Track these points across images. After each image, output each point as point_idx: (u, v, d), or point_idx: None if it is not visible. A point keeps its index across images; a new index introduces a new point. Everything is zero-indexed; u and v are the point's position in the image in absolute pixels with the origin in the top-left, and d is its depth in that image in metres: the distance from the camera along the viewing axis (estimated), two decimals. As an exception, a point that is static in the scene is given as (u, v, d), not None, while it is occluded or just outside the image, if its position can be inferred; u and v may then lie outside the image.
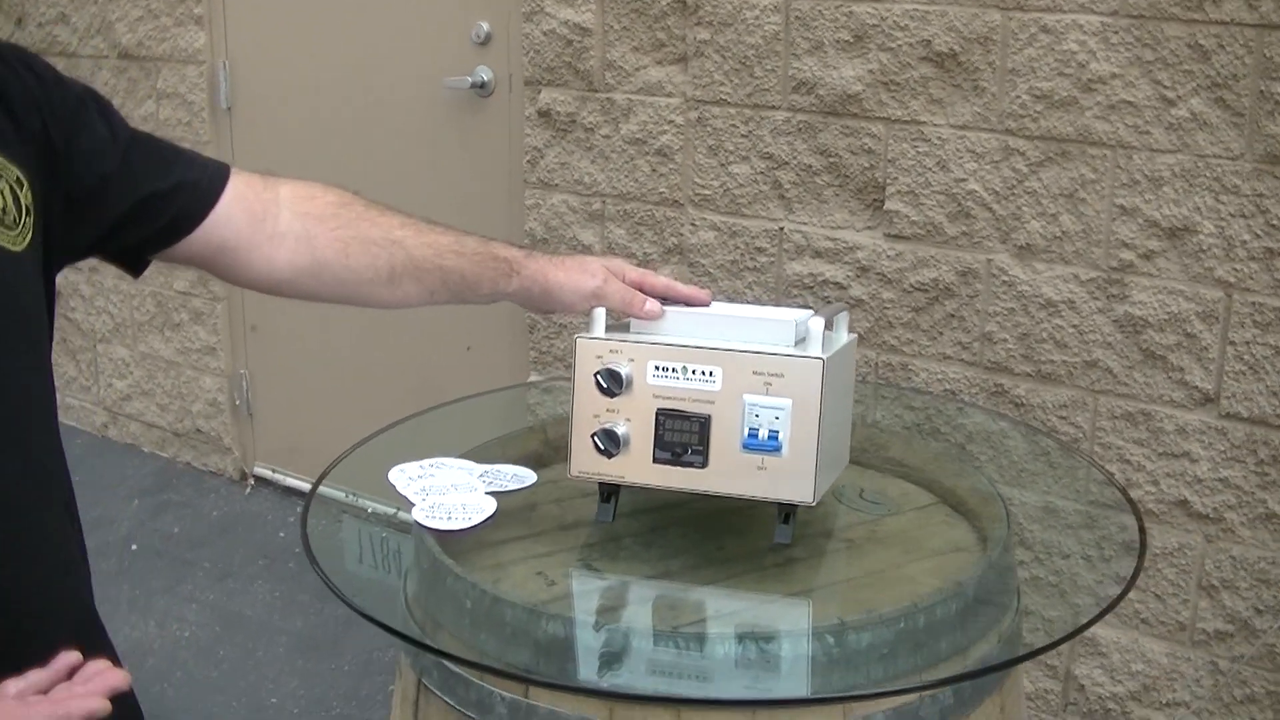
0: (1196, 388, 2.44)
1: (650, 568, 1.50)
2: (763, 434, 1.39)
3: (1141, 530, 1.57)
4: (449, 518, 1.50)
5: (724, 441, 1.41)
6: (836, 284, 2.77)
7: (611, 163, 3.06)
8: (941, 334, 2.69)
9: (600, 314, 1.48)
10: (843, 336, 1.54)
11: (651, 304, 1.49)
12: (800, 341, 1.44)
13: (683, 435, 1.42)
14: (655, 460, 1.44)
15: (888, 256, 2.72)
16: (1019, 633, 1.46)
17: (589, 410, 1.45)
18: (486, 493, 1.56)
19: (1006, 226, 2.57)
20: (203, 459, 4.32)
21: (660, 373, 1.42)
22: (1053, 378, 2.59)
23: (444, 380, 3.52)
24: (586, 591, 1.48)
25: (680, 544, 1.55)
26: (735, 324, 1.46)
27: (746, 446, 1.39)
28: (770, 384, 1.39)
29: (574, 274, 1.48)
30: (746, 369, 1.39)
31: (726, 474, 1.42)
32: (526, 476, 1.62)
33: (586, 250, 3.10)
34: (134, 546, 3.88)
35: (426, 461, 1.64)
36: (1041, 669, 2.74)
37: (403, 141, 3.56)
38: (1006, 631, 1.43)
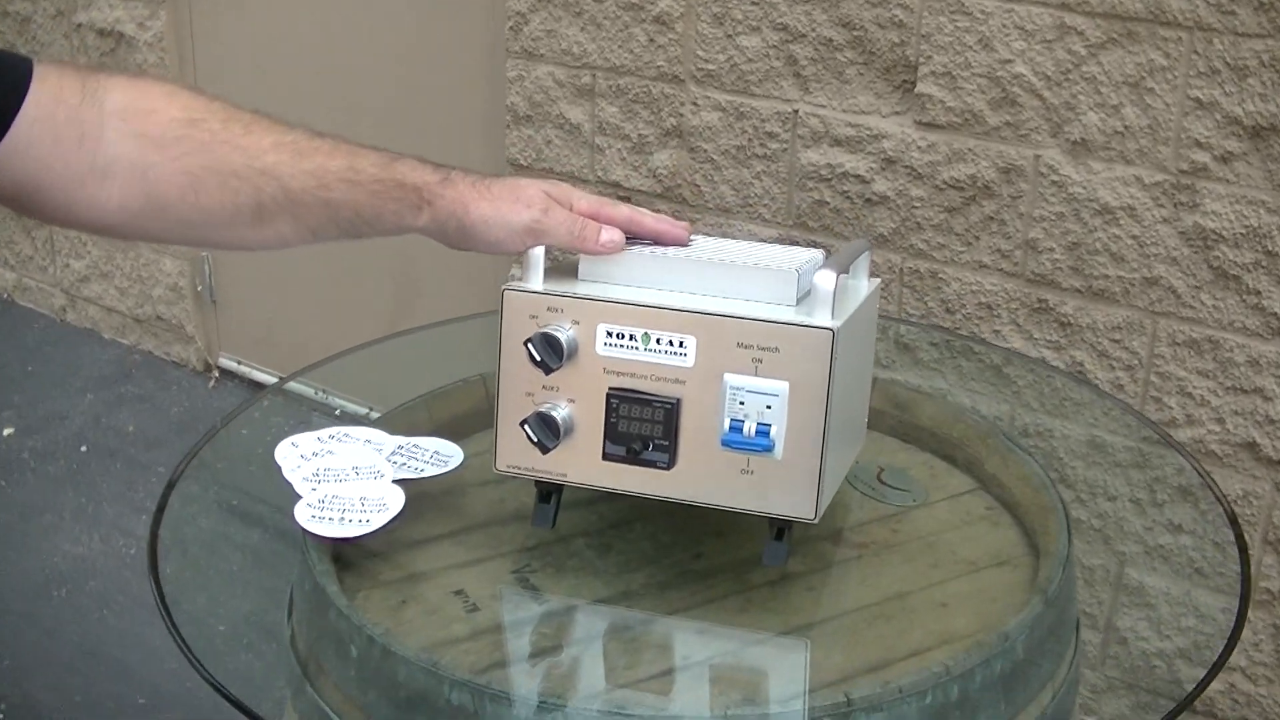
0: (1275, 314, 2.07)
1: (605, 585, 1.15)
2: (749, 427, 1.03)
3: (1244, 561, 1.21)
4: (341, 518, 1.15)
5: (697, 435, 1.06)
6: (858, 177, 2.40)
7: (604, 31, 2.67)
8: (978, 239, 2.32)
9: (537, 257, 1.11)
10: (861, 286, 1.17)
11: (610, 233, 1.12)
12: (804, 299, 1.08)
13: (642, 425, 1.06)
14: (606, 456, 1.08)
15: (918, 148, 2.34)
16: (1075, 684, 1.12)
17: (519, 387, 1.10)
18: (395, 479, 1.21)
19: (1058, 118, 2.19)
20: (165, 348, 3.98)
21: (614, 341, 1.07)
22: (1106, 295, 2.22)
23: (428, 263, 3.16)
24: (517, 623, 1.13)
25: (646, 549, 1.20)
26: (718, 273, 1.09)
27: (727, 443, 1.04)
28: (761, 360, 1.03)
29: (503, 204, 1.11)
30: (730, 339, 1.04)
31: (700, 478, 1.07)
32: (450, 456, 1.27)
33: (574, 131, 2.72)
34: (84, 448, 3.56)
35: (326, 432, 1.29)
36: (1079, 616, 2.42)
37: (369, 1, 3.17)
38: (1061, 686, 1.08)
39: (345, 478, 1.21)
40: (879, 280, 1.21)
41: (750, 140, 2.52)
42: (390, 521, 1.16)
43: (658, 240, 1.15)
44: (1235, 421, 2.16)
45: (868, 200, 2.38)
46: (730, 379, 1.04)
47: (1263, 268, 2.06)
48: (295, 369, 3.69)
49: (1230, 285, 2.09)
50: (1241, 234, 2.06)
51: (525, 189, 1.12)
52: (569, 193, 1.14)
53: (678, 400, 1.06)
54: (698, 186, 2.58)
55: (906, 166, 2.34)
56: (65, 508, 3.28)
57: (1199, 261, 2.11)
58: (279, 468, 1.24)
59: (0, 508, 3.23)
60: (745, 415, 1.03)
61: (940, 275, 2.36)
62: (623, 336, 1.06)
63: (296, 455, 1.25)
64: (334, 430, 1.29)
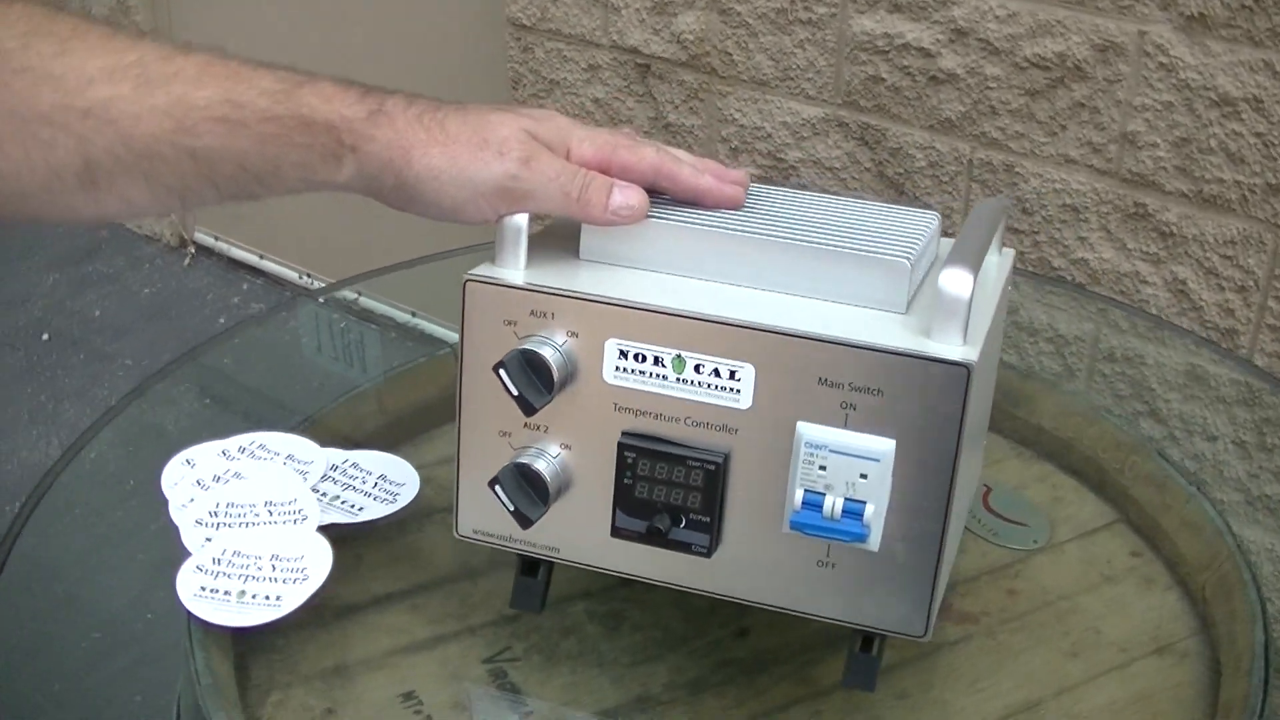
0: None
1: (613, 683, 0.82)
2: (833, 505, 0.68)
3: None
4: (240, 595, 0.81)
5: (753, 510, 0.71)
6: (921, 50, 2.01)
7: None
8: (1064, 129, 1.94)
9: (514, 231, 0.75)
10: (994, 264, 0.82)
11: (626, 195, 0.76)
12: (918, 303, 0.72)
13: (671, 492, 0.71)
14: (616, 532, 0.73)
15: (996, 17, 1.96)
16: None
17: (490, 424, 0.75)
18: (320, 526, 0.87)
19: (1174, -16, 1.80)
20: (135, 221, 3.62)
21: (631, 364, 0.71)
22: (1219, 203, 1.86)
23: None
24: (486, 756, 0.80)
25: (672, 623, 0.87)
26: (790, 261, 0.73)
27: (800, 526, 0.69)
28: (855, 407, 0.68)
29: (463, 150, 0.73)
30: (807, 371, 0.68)
31: (754, 570, 0.73)
32: (400, 485, 0.92)
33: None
34: (45, 336, 3.22)
35: (236, 442, 0.95)
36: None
37: None
38: None
39: (252, 521, 0.86)
40: (1012, 253, 0.85)
41: (792, 2, 2.13)
42: (310, 598, 0.82)
43: (697, 201, 0.79)
44: (1370, 355, 1.81)
45: (932, 78, 2.00)
46: (806, 431, 0.68)
47: None
48: (275, 247, 3.36)
49: (1378, 195, 1.72)
50: (1397, 133, 1.69)
51: (497, 126, 0.74)
52: (564, 131, 0.77)
53: (725, 457, 0.71)
54: (729, 55, 2.20)
55: (981, 39, 1.95)
56: (23, 405, 2.95)
57: (1341, 165, 1.74)
58: (164, 500, 0.90)
59: (-47, 403, 2.91)
60: (828, 486, 0.68)
61: (1017, 169, 2.00)
62: (643, 359, 0.71)
63: (190, 481, 0.90)
64: (246, 439, 0.95)
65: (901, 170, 2.07)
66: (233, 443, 0.95)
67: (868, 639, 0.74)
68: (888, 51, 2.04)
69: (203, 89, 0.73)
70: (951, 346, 0.67)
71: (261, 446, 0.94)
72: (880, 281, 0.71)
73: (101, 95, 0.72)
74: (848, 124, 2.11)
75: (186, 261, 3.51)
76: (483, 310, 0.73)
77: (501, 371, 0.71)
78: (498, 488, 0.73)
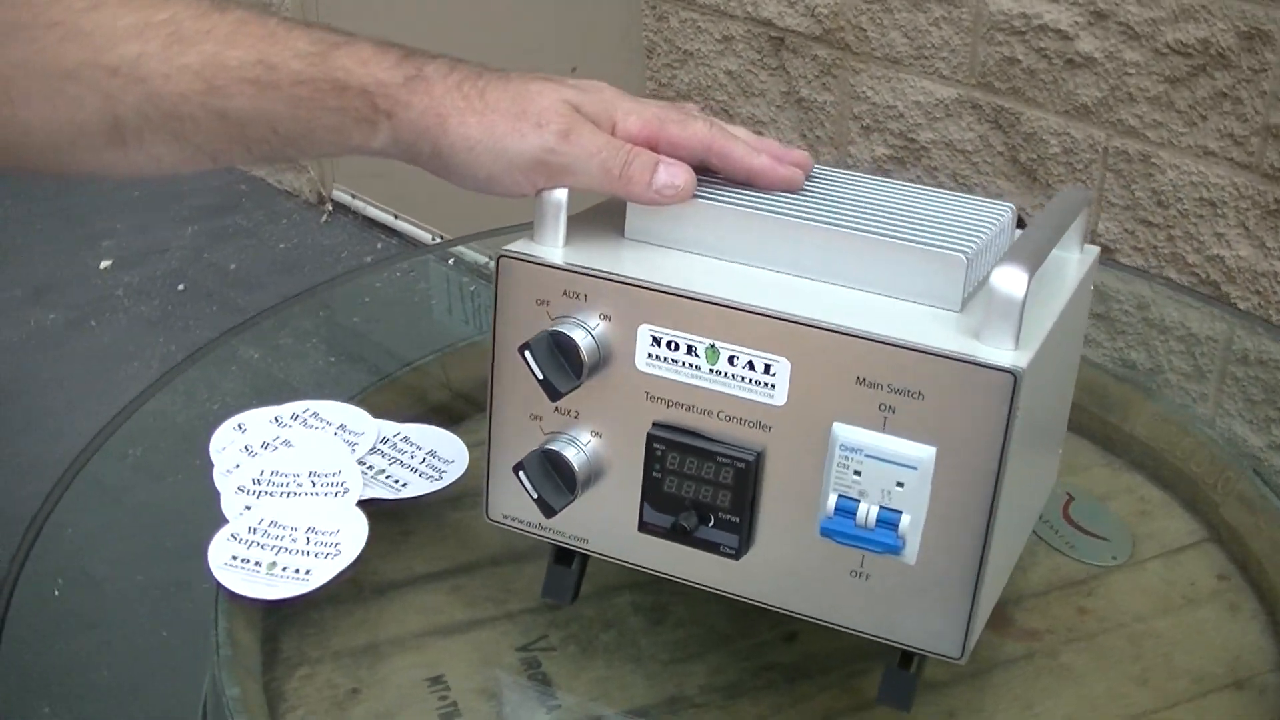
0: None
1: (648, 681, 0.79)
2: (867, 513, 0.64)
3: None
4: (271, 567, 0.79)
5: (785, 511, 0.67)
6: (1058, 32, 1.94)
7: None
8: (1204, 119, 1.85)
9: (554, 207, 0.72)
10: (1069, 266, 0.76)
11: (671, 173, 0.72)
12: (974, 301, 0.67)
13: (700, 489, 0.68)
14: (644, 526, 0.70)
15: (1137, 0, 1.87)
16: None
17: (521, 407, 0.72)
18: (360, 500, 0.85)
19: (1330, -30, 1.70)
20: (277, 175, 3.67)
21: (663, 352, 0.68)
22: (1371, 202, 1.76)
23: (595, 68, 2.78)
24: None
25: (717, 621, 0.83)
26: (837, 249, 0.69)
27: (830, 532, 0.65)
28: (894, 410, 0.63)
29: (500, 121, 0.70)
30: (844, 369, 0.64)
31: (784, 575, 0.69)
32: (449, 461, 0.90)
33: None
34: (181, 286, 3.27)
35: (289, 409, 0.93)
36: None
37: None
38: None
39: (294, 491, 0.85)
40: (1096, 251, 0.80)
41: (927, -22, 2.06)
42: (339, 574, 0.80)
43: (751, 181, 0.75)
44: None
45: (1069, 61, 1.93)
46: (842, 433, 0.64)
47: None
48: (411, 207, 3.37)
49: None
50: None
51: (538, 96, 0.71)
52: (610, 103, 0.73)
53: (758, 456, 0.67)
54: (863, 30, 2.14)
55: (1120, 23, 1.87)
56: (152, 356, 3.00)
57: None
58: (211, 464, 0.89)
59: (85, 352, 2.96)
60: (862, 493, 0.64)
61: (1153, 160, 1.91)
62: (675, 346, 0.67)
63: (239, 446, 0.89)
64: (300, 406, 0.93)
65: (1034, 156, 1.99)
66: (286, 409, 0.93)
67: (907, 655, 0.69)
68: (1024, 32, 1.96)
69: (235, 49, 0.71)
70: (1000, 350, 0.62)
71: (315, 415, 0.93)
72: (934, 276, 0.67)
73: (130, 53, 0.70)
74: (981, 106, 2.04)
75: (324, 218, 3.55)
76: (516, 288, 0.70)
77: (527, 353, 0.68)
78: (522, 473, 0.70)
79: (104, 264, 3.34)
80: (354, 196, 3.52)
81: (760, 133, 0.86)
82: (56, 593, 0.94)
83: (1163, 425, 0.98)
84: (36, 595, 0.90)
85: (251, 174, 3.74)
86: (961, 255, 0.67)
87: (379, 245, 3.40)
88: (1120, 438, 0.99)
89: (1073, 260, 0.77)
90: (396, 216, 3.40)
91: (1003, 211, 0.74)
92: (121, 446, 1.08)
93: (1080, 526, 0.91)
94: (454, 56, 0.73)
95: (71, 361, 2.92)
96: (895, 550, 0.64)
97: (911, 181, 0.79)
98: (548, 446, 0.70)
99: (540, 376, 0.68)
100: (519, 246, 0.71)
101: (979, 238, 0.69)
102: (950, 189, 0.77)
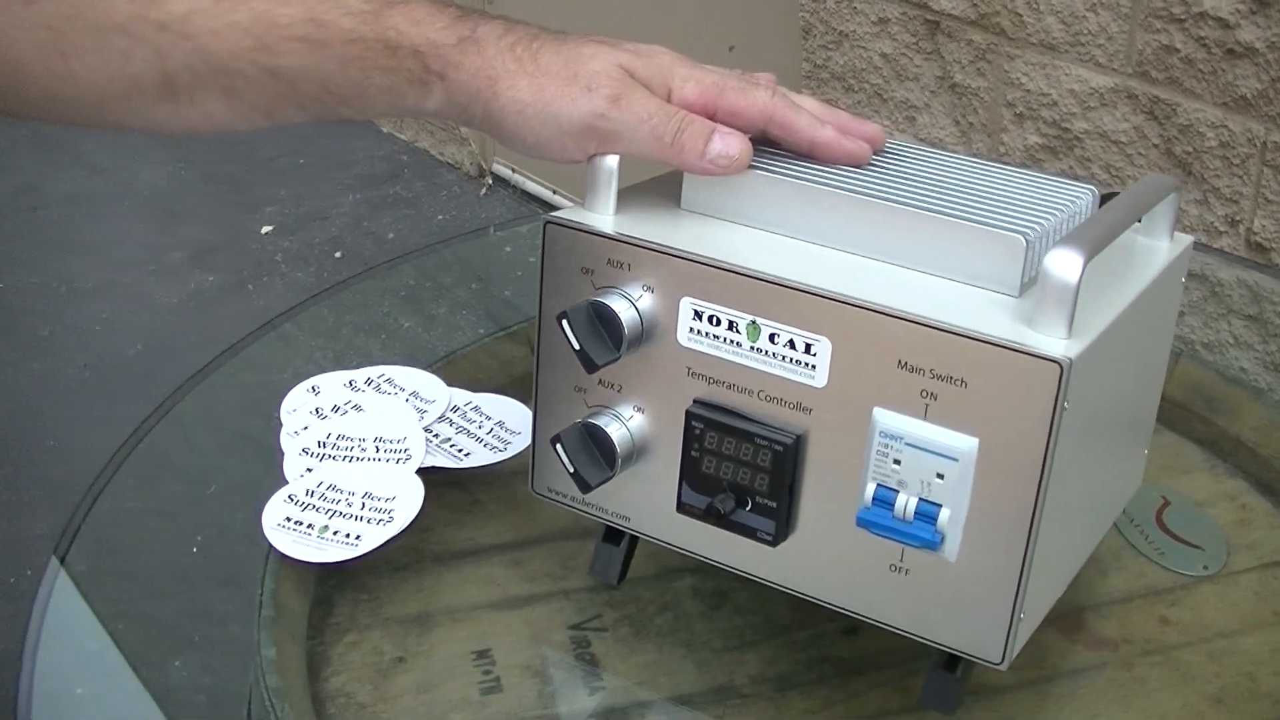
0: None
1: (699, 668, 0.76)
2: (905, 504, 0.61)
3: None
4: (322, 531, 0.79)
5: (825, 498, 0.65)
6: (1219, 20, 1.85)
7: None
8: (1375, 115, 1.76)
9: (605, 173, 0.70)
10: (1158, 254, 0.72)
11: (726, 142, 0.69)
12: (1033, 287, 0.63)
13: (738, 471, 0.65)
14: (681, 506, 0.68)
15: (1308, -14, 1.78)
16: None
17: (565, 378, 0.70)
18: (420, 468, 0.84)
19: None
20: (439, 147, 3.71)
21: (704, 327, 0.65)
22: None
23: (757, 50, 2.75)
24: (543, 727, 0.75)
25: (776, 610, 0.80)
26: (897, 224, 0.66)
27: (866, 523, 0.62)
28: (936, 396, 0.60)
29: (550, 84, 0.68)
30: (885, 351, 0.61)
31: (821, 565, 0.66)
32: (515, 434, 0.89)
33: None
34: (339, 254, 3.32)
35: (365, 374, 0.93)
36: None
37: None
38: None
39: (357, 456, 0.84)
40: (1188, 240, 0.75)
41: (1088, -37, 1.99)
42: (388, 541, 0.79)
43: (814, 154, 0.72)
44: None
45: (1229, 51, 1.84)
46: (882, 419, 0.61)
47: None
48: (570, 183, 3.37)
49: None
50: None
51: (590, 60, 0.69)
52: (666, 69, 0.71)
53: (797, 439, 0.64)
54: (1019, 15, 2.08)
55: (1290, 11, 1.78)
56: (305, 323, 3.05)
57: None
58: (279, 425, 0.89)
59: (240, 314, 3.03)
60: (901, 483, 0.61)
61: (1319, 161, 1.82)
62: (716, 321, 0.65)
63: (309, 409, 0.89)
64: (375, 371, 0.93)
65: (1190, 149, 1.91)
66: (361, 374, 0.93)
67: (953, 658, 0.66)
68: (1184, 20, 1.88)
69: (287, 6, 0.70)
70: (1051, 339, 0.59)
71: (389, 380, 0.92)
72: (991, 258, 0.63)
73: (179, 9, 0.69)
74: (1137, 96, 1.96)
75: (483, 191, 3.57)
76: (561, 256, 0.68)
77: (565, 323, 0.66)
78: (559, 446, 0.69)
79: (265, 229, 3.41)
80: (514, 170, 3.54)
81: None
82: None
83: (1272, 429, 0.92)
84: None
85: (414, 144, 3.78)
86: (1020, 237, 0.63)
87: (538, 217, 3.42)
88: (1226, 441, 0.94)
89: (1159, 249, 0.73)
90: (555, 191, 3.40)
91: (1081, 193, 0.70)
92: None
93: (1173, 533, 0.87)
94: (512, 18, 0.72)
95: (226, 324, 2.98)
96: (933, 545, 0.61)
97: (991, 160, 0.75)
98: (587, 420, 0.69)
99: (577, 347, 0.66)
100: (568, 213, 0.70)
101: (1046, 219, 0.65)
102: (1041, 173, 0.73)
